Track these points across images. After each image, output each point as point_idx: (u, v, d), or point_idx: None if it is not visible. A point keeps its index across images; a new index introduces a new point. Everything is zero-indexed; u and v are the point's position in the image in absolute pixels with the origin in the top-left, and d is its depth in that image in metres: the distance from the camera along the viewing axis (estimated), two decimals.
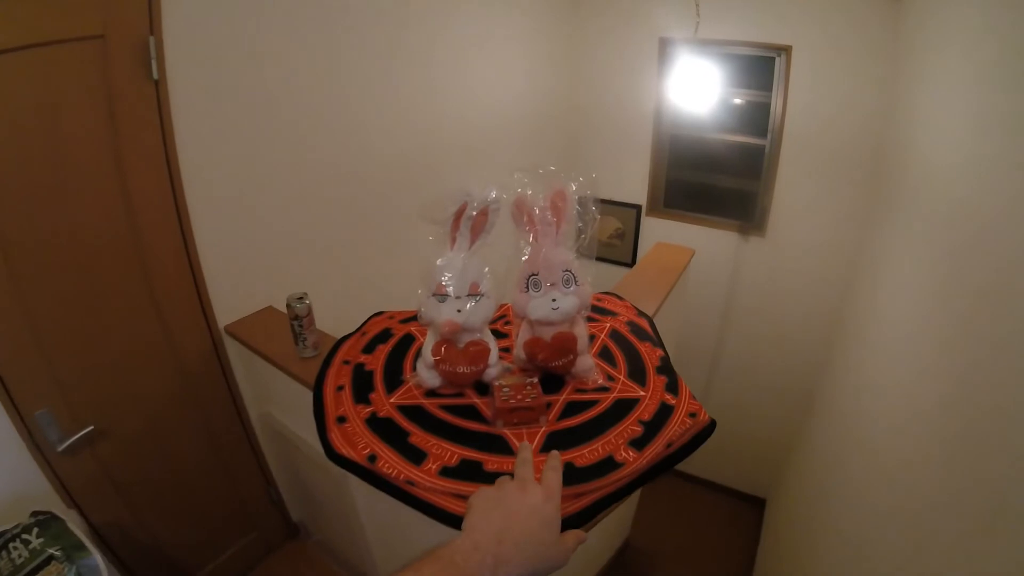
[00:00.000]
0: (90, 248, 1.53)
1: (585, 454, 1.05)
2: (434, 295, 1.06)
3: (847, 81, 2.86)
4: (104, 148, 1.48)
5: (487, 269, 1.07)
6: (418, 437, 1.08)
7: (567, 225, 1.10)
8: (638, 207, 3.65)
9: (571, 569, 0.72)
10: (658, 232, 3.64)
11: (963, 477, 1.17)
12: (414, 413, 1.15)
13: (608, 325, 1.48)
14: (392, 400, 1.19)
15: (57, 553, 1.40)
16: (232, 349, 1.87)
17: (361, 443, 1.09)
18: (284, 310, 1.59)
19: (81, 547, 1.43)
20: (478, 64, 2.69)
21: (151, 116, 1.53)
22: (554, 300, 1.07)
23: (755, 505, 4.09)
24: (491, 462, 1.02)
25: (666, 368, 1.33)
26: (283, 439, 2.00)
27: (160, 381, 1.80)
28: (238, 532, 2.25)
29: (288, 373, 1.58)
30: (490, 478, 1.00)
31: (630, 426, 1.11)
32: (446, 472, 1.01)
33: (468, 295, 1.05)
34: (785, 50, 2.93)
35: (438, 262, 1.04)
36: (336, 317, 1.90)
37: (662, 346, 1.42)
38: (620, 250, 3.81)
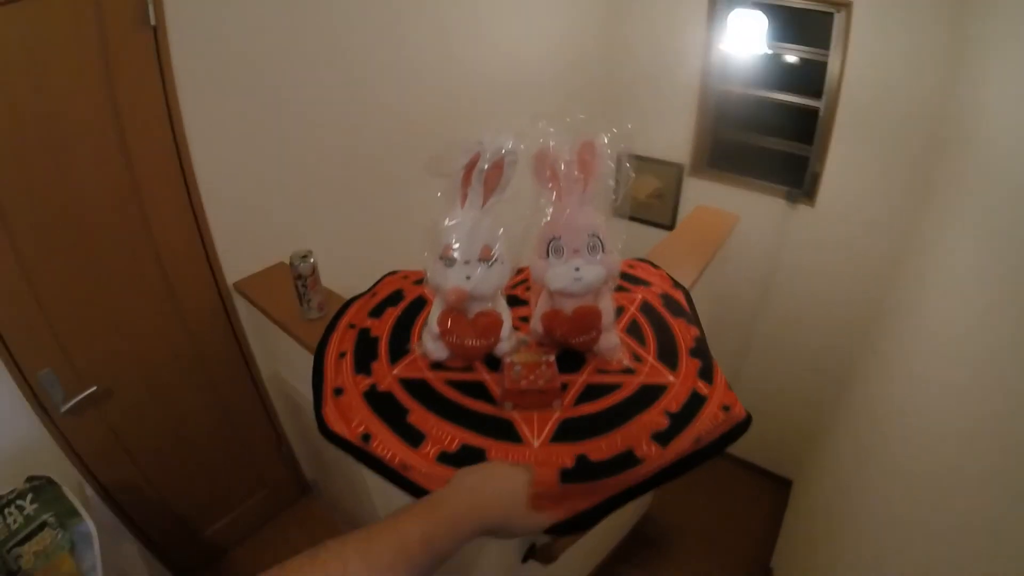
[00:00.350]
0: (90, 205, 1.46)
1: (602, 446, 0.92)
2: (441, 258, 0.93)
3: (911, 45, 2.60)
4: (101, 102, 1.39)
5: (501, 230, 0.94)
6: (418, 416, 0.97)
7: (596, 183, 0.96)
8: (680, 166, 3.43)
9: (592, 537, 0.65)
10: (700, 194, 3.43)
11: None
12: (417, 388, 1.04)
13: (639, 296, 1.34)
14: (395, 372, 1.08)
15: (51, 520, 1.39)
16: (241, 307, 1.79)
17: (356, 419, 0.99)
18: (303, 250, 1.49)
19: (74, 513, 1.41)
20: (502, 13, 2.47)
21: (149, 66, 1.43)
22: (577, 269, 0.94)
23: (780, 485, 3.96)
24: (495, 450, 0.91)
25: (701, 350, 1.19)
26: (292, 400, 1.93)
27: (166, 339, 1.74)
28: (248, 490, 2.22)
29: (291, 335, 1.48)
30: None
31: (655, 417, 0.98)
32: (444, 458, 0.90)
33: (479, 260, 0.92)
34: (846, 5, 2.67)
35: (445, 222, 0.91)
36: (350, 275, 1.80)
37: (698, 324, 1.28)
38: (658, 211, 3.59)
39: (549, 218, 0.95)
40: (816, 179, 3.05)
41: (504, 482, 0.72)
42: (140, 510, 1.86)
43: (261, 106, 1.67)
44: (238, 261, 1.75)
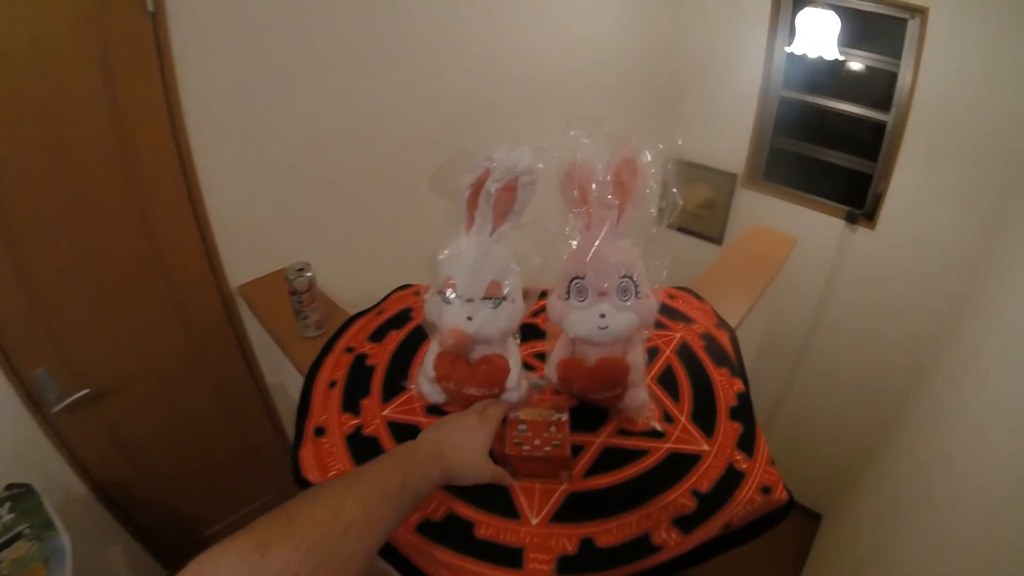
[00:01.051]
0: (88, 201, 1.37)
1: (613, 529, 0.77)
2: (440, 292, 0.78)
3: (992, 57, 2.34)
4: (99, 94, 1.29)
5: (514, 264, 0.78)
6: None
7: (634, 210, 0.79)
8: (733, 176, 3.20)
9: None
10: (753, 207, 3.20)
11: None
12: (406, 434, 0.90)
13: (678, 336, 1.16)
14: (385, 412, 0.94)
15: (27, 531, 1.32)
16: (246, 311, 1.67)
17: (335, 467, 0.85)
18: (300, 262, 1.36)
19: (51, 526, 1.34)
20: None
21: (148, 56, 1.31)
22: (603, 316, 0.77)
23: (808, 518, 3.72)
24: (485, 526, 0.76)
25: (743, 411, 1.00)
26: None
27: (166, 341, 1.64)
28: (254, 493, 2.14)
29: (286, 353, 1.35)
30: (478, 547, 0.74)
31: (680, 496, 0.81)
32: (427, 529, 0.76)
33: (484, 298, 0.76)
34: (920, 11, 2.42)
35: (444, 252, 0.75)
36: (359, 285, 1.66)
37: (743, 376, 1.10)
38: (708, 223, 3.36)
39: (574, 250, 0.79)
40: (879, 199, 2.80)
41: (462, 438, 0.76)
42: (139, 508, 1.79)
43: (265, 100, 1.54)
44: (243, 263, 1.63)
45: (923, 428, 2.39)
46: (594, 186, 0.76)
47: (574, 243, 0.80)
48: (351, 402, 0.96)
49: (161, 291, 1.57)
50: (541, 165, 0.73)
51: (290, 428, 2.04)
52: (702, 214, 3.35)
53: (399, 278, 1.33)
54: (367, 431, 0.90)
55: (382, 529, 0.61)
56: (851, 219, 2.90)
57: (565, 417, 0.84)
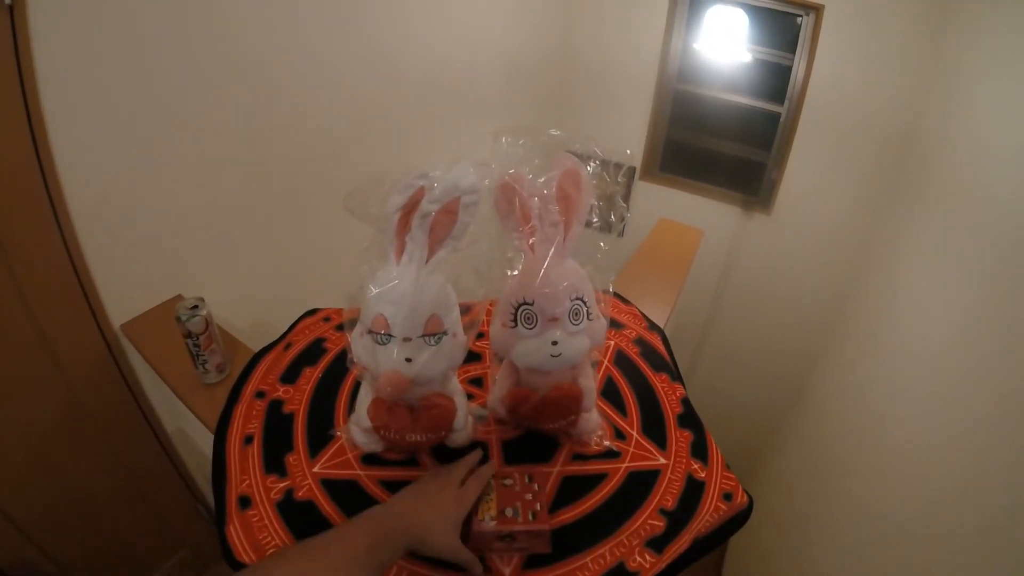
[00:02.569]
0: None
1: (588, 564, 0.73)
2: (371, 332, 0.68)
3: (882, 51, 2.51)
4: None
5: (453, 294, 0.70)
6: None
7: (579, 226, 0.73)
8: (631, 168, 3.25)
9: None
10: (652, 198, 3.27)
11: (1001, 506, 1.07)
12: (345, 492, 0.80)
13: (612, 344, 1.12)
14: (316, 469, 0.83)
15: None
16: (133, 353, 1.47)
17: (270, 543, 0.74)
18: (192, 297, 1.20)
19: None
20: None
21: (4, 55, 1.10)
22: (555, 343, 0.71)
23: None
24: None
25: (690, 417, 0.99)
26: (204, 455, 1.64)
27: (45, 398, 1.41)
28: (169, 550, 1.94)
29: (187, 405, 1.20)
30: None
31: (648, 519, 0.78)
32: None
33: (424, 335, 0.68)
34: (816, 8, 2.55)
35: (372, 288, 0.66)
36: (261, 313, 1.51)
37: (681, 379, 1.08)
38: (605, 214, 3.41)
39: (518, 273, 0.72)
40: (774, 187, 2.93)
41: (433, 516, 0.70)
42: None
43: (141, 108, 1.33)
44: (125, 297, 1.42)
45: (835, 395, 2.52)
46: (536, 201, 0.69)
47: (516, 265, 0.73)
48: (274, 461, 0.85)
49: (30, 338, 1.33)
50: (487, 182, 0.66)
51: (199, 479, 1.86)
52: (600, 208, 3.39)
53: (303, 303, 1.21)
54: (299, 495, 0.79)
55: None
56: (747, 206, 3.02)
57: (533, 483, 0.79)
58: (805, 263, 3.05)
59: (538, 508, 0.74)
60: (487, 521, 0.73)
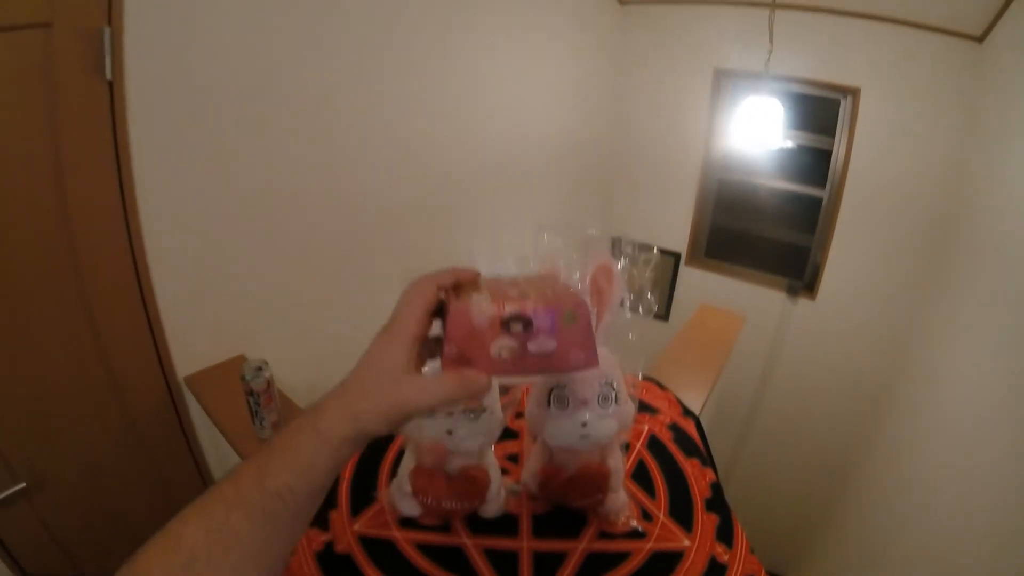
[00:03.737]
0: (22, 280, 1.28)
1: None
2: None
3: (920, 131, 2.55)
4: (43, 163, 1.22)
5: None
6: None
7: (610, 316, 0.80)
8: (676, 255, 3.32)
9: None
10: (696, 284, 3.32)
11: None
12: (381, 550, 0.85)
13: (646, 428, 1.16)
14: (356, 527, 0.89)
15: None
16: (192, 403, 1.58)
17: None
18: (256, 359, 1.30)
19: None
20: (500, 83, 2.31)
21: (101, 125, 1.26)
22: (584, 424, 0.77)
23: None
24: None
25: (718, 501, 1.01)
26: None
27: (106, 434, 1.54)
28: None
29: (240, 455, 1.28)
30: None
31: None
32: None
33: (463, 410, 0.75)
34: (852, 92, 2.63)
35: (425, 368, 0.74)
36: (316, 377, 1.60)
37: (713, 464, 1.11)
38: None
39: None
40: (818, 270, 2.95)
41: (374, 364, 0.52)
42: None
43: (223, 177, 1.49)
44: (191, 351, 1.55)
45: (873, 489, 2.45)
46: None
47: None
48: (318, 515, 0.91)
49: (102, 380, 1.47)
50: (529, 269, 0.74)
51: None
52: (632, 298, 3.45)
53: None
54: (339, 548, 0.85)
55: (248, 549, 0.45)
56: (792, 291, 3.03)
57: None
58: (851, 347, 3.02)
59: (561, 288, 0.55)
60: (476, 302, 0.50)
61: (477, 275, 0.57)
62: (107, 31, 1.18)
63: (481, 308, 0.49)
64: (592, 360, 0.53)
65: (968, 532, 1.45)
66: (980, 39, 2.27)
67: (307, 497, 0.48)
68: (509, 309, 0.49)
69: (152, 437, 1.61)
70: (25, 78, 1.15)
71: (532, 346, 0.50)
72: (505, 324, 0.49)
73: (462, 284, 0.55)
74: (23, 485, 1.40)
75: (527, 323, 0.50)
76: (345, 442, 0.48)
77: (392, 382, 0.49)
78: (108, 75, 1.21)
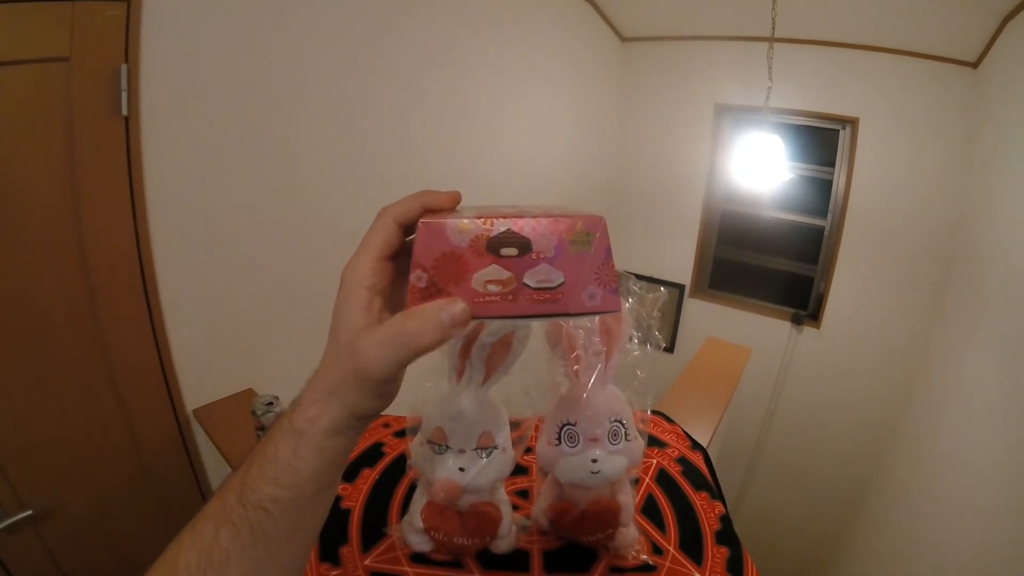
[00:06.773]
0: (36, 310, 1.31)
1: None
2: (430, 442, 0.77)
3: (919, 159, 2.59)
4: (62, 192, 1.26)
5: (504, 414, 0.79)
6: None
7: (619, 355, 0.81)
8: (681, 287, 3.34)
9: None
10: (701, 316, 3.33)
11: None
12: None
13: (654, 463, 1.17)
14: (367, 562, 0.90)
15: None
16: (201, 436, 1.59)
17: None
18: (267, 394, 1.31)
19: None
20: (511, 120, 2.38)
21: (117, 158, 1.30)
22: (595, 461, 0.78)
23: None
24: None
25: (727, 534, 1.01)
26: None
27: (115, 464, 1.55)
28: None
29: None
30: None
31: None
32: None
33: (476, 448, 0.76)
34: (851, 122, 2.67)
35: (436, 404, 0.75)
36: None
37: (722, 497, 1.11)
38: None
39: (563, 396, 0.80)
40: (822, 299, 2.96)
41: (332, 334, 0.46)
42: None
43: (237, 214, 1.53)
44: (200, 384, 1.57)
45: (877, 509, 2.43)
46: (582, 332, 0.78)
47: (562, 387, 0.81)
48: (329, 551, 0.92)
49: (113, 411, 1.50)
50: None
51: None
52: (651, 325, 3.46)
53: None
54: None
55: (242, 569, 0.41)
56: (796, 320, 3.04)
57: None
58: (857, 376, 3.02)
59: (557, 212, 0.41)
60: (453, 219, 0.40)
61: (456, 202, 0.47)
62: (124, 68, 1.22)
63: (461, 224, 0.39)
64: (612, 302, 0.41)
65: (981, 569, 1.44)
66: (975, 64, 2.30)
67: (295, 507, 0.43)
68: (499, 226, 0.39)
69: (160, 470, 1.63)
70: (44, 116, 1.20)
71: (530, 278, 0.40)
72: (493, 247, 0.39)
73: (436, 214, 0.44)
74: (30, 512, 1.41)
75: (524, 246, 0.39)
76: (327, 434, 0.43)
77: (348, 346, 0.42)
78: (124, 111, 1.25)
